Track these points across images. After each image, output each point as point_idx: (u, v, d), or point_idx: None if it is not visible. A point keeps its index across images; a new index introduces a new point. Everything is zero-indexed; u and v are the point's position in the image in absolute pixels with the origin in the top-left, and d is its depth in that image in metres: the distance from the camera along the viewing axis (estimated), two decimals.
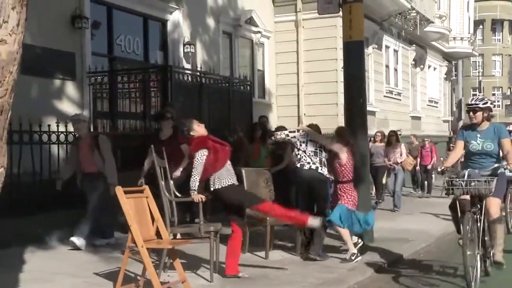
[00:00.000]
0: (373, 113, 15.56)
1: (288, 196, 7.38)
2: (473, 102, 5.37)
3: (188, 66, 11.18)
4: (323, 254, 5.98)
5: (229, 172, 5.17)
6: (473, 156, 5.32)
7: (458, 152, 5.46)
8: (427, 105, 22.03)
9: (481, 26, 42.65)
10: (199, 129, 5.25)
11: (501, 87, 44.01)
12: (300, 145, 6.12)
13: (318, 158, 6.06)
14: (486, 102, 5.31)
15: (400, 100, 18.83)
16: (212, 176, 5.07)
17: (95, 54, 9.80)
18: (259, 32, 14.23)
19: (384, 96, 17.51)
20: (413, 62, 20.43)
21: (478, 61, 38.57)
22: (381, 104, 16.87)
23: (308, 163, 6.03)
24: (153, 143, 6.87)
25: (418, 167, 14.08)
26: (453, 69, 26.02)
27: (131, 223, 4.38)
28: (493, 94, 43.20)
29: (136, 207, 4.59)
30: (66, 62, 9.07)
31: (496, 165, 5.16)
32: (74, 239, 6.28)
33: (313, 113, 13.89)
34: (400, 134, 13.22)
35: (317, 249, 5.94)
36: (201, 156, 5.04)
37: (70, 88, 9.20)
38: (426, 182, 14.34)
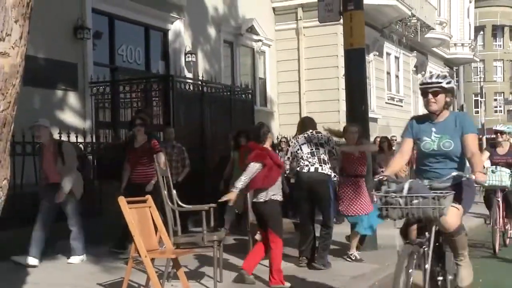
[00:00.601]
0: (375, 119, 15.56)
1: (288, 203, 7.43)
2: (433, 80, 3.73)
3: (189, 75, 11.22)
4: (327, 263, 5.96)
5: (278, 187, 5.20)
6: (426, 160, 3.78)
7: (404, 154, 3.87)
8: None
9: (481, 32, 42.71)
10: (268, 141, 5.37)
11: (503, 92, 44.00)
12: (297, 152, 6.12)
13: (316, 158, 6.01)
14: (450, 82, 3.78)
15: (401, 106, 18.84)
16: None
17: (97, 64, 9.84)
18: (260, 40, 14.29)
19: (386, 102, 17.52)
20: (414, 69, 20.46)
21: (479, 67, 38.55)
22: (383, 110, 16.88)
23: (307, 165, 6.00)
24: (127, 151, 6.77)
25: None
26: (454, 75, 26.04)
27: (134, 233, 4.37)
28: (495, 100, 43.23)
29: (139, 217, 4.59)
30: (68, 73, 9.11)
31: (455, 173, 3.60)
32: (72, 260, 6.13)
33: (315, 121, 13.88)
34: (395, 140, 13.11)
35: (323, 259, 5.89)
36: (254, 168, 5.11)
37: (72, 98, 9.24)
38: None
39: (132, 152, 6.73)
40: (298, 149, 6.11)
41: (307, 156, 6.03)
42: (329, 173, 6.05)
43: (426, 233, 3.62)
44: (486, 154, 7.46)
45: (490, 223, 7.39)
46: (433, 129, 3.76)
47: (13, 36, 2.31)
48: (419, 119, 3.92)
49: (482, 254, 6.92)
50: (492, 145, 7.77)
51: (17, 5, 2.30)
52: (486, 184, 6.76)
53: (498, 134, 7.48)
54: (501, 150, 7.42)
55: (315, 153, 6.05)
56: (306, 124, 6.45)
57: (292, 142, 6.38)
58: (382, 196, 3.45)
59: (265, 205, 5.10)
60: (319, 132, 6.29)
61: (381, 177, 3.71)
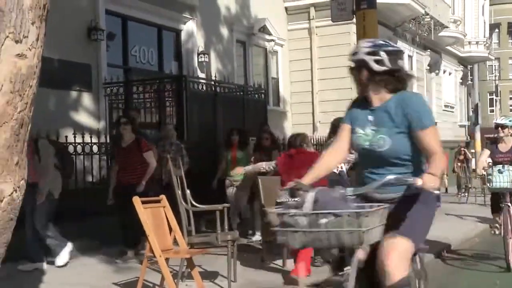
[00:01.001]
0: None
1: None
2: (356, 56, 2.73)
3: (202, 75, 11.24)
4: None
5: None
6: (363, 161, 2.77)
7: (336, 148, 2.80)
8: (443, 110, 21.85)
9: (496, 30, 42.25)
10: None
11: None
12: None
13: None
14: (376, 52, 2.70)
15: None
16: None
17: (110, 65, 9.91)
18: (272, 40, 14.27)
19: None
20: (428, 67, 20.30)
21: (495, 65, 38.17)
22: None
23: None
24: (114, 151, 6.64)
25: None
26: (469, 73, 25.81)
27: (149, 233, 4.39)
28: (511, 98, 42.69)
29: (154, 217, 4.61)
30: (82, 74, 9.19)
31: (391, 176, 2.50)
32: (57, 263, 5.90)
33: (328, 120, 13.76)
34: None
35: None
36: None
37: (86, 99, 9.31)
38: None
39: (120, 152, 6.52)
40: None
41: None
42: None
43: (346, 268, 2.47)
44: (486, 152, 6.55)
45: (499, 231, 6.30)
46: (370, 118, 2.68)
47: (30, 38, 2.34)
48: (358, 101, 2.81)
49: (494, 268, 6.08)
50: (493, 141, 6.65)
51: (34, 7, 2.33)
52: (493, 187, 5.92)
53: (500, 128, 6.38)
54: (504, 147, 6.36)
55: None
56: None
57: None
58: (277, 214, 2.43)
59: None
60: None
61: (293, 184, 2.55)
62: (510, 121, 6.37)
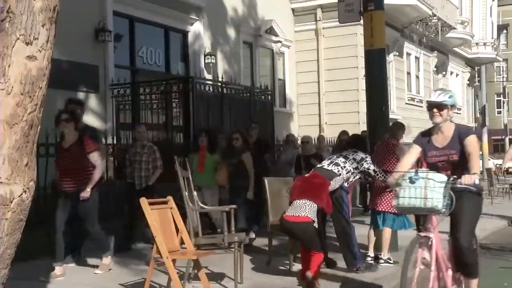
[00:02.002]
0: (395, 120, 15.41)
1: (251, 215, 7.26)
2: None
3: (209, 76, 11.26)
4: (360, 264, 5.58)
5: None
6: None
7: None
8: None
9: (504, 31, 42.02)
10: None
11: None
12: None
13: None
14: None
15: (422, 107, 18.63)
16: None
17: (117, 66, 9.95)
18: (279, 41, 14.28)
19: (406, 103, 17.36)
20: (435, 69, 20.24)
21: (502, 66, 37.96)
22: (403, 111, 16.73)
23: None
24: (57, 153, 5.81)
25: None
26: (476, 75, 25.70)
27: (156, 234, 4.40)
28: None
29: (161, 218, 4.61)
30: (90, 75, 9.23)
31: None
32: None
33: (335, 122, 13.84)
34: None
35: (350, 260, 5.62)
36: None
37: (94, 100, 9.34)
38: None
39: (62, 155, 5.63)
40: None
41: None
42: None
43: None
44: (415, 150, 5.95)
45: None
46: None
47: (40, 39, 2.35)
48: None
49: (503, 270, 5.95)
50: (425, 133, 6.20)
51: (44, 9, 2.35)
52: (400, 205, 3.81)
53: (435, 109, 5.56)
54: (440, 140, 5.72)
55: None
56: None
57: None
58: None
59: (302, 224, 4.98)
60: None
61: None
62: (450, 97, 3.96)
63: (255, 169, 7.32)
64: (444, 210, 3.67)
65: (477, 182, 3.74)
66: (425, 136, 4.16)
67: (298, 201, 5.02)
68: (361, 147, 5.78)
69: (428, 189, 3.63)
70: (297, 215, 4.95)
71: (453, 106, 4.01)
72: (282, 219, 5.11)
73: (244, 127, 8.65)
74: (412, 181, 3.69)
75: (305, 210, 4.94)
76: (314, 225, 4.98)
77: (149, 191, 6.90)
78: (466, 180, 3.68)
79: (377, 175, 5.65)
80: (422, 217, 4.10)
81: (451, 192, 3.71)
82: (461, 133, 4.00)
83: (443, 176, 3.70)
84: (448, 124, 4.04)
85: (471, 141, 3.92)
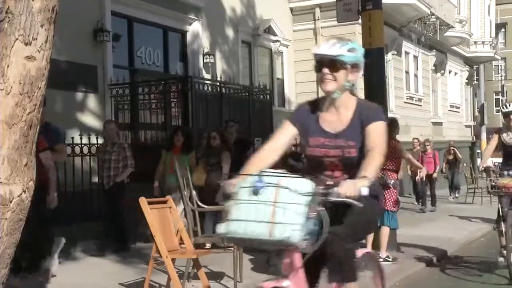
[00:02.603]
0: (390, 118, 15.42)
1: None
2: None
3: (208, 76, 11.27)
4: None
5: None
6: None
7: None
8: (449, 110, 21.80)
9: (503, 29, 42.02)
10: None
11: None
12: None
13: None
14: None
15: (420, 106, 18.67)
16: None
17: (116, 66, 9.95)
18: (278, 41, 14.28)
19: (405, 102, 17.38)
20: (434, 68, 20.26)
21: (501, 65, 37.94)
22: (401, 110, 16.74)
23: None
24: None
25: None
26: (475, 73, 25.72)
27: (155, 234, 4.41)
28: None
29: (160, 217, 4.62)
30: (88, 75, 9.23)
31: None
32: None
33: None
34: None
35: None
36: None
37: (92, 100, 9.35)
38: (426, 194, 12.33)
39: None
40: None
41: None
42: None
43: None
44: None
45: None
46: None
47: (39, 40, 2.36)
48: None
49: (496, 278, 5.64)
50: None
51: (43, 10, 2.35)
52: (226, 232, 2.29)
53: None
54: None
55: None
56: None
57: None
58: None
59: None
60: None
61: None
62: (351, 50, 2.77)
63: (237, 168, 7.03)
64: (304, 243, 2.19)
65: (365, 192, 2.21)
66: (310, 110, 2.71)
67: None
68: None
69: (279, 207, 2.17)
70: None
71: (355, 66, 2.63)
72: None
73: (244, 127, 8.67)
74: (255, 191, 2.24)
75: None
76: None
77: (119, 190, 6.86)
78: (346, 189, 2.22)
79: None
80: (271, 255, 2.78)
81: (321, 211, 2.25)
82: (363, 115, 2.57)
83: (306, 182, 2.24)
84: (347, 98, 2.64)
85: (375, 129, 2.52)
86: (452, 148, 15.18)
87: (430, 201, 12.22)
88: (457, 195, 14.86)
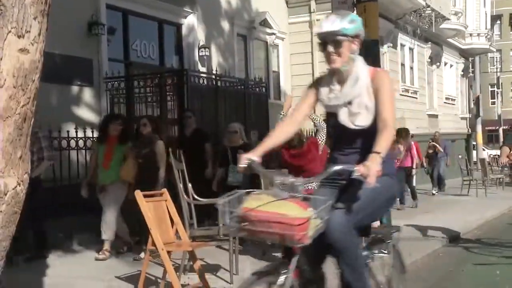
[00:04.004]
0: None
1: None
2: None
3: (203, 69, 11.25)
4: None
5: None
6: None
7: None
8: (444, 102, 21.84)
9: (498, 21, 42.07)
10: None
11: None
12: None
13: None
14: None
15: (416, 98, 18.69)
16: None
17: (111, 60, 9.92)
18: (273, 33, 14.26)
19: (400, 94, 17.39)
20: (429, 60, 20.27)
21: (496, 57, 38.01)
22: (397, 102, 16.67)
23: None
24: None
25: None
26: (470, 65, 25.75)
27: (151, 227, 4.42)
28: None
29: (156, 210, 4.63)
30: (84, 69, 9.20)
31: None
32: None
33: None
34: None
35: None
36: None
37: (88, 94, 9.32)
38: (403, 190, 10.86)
39: None
40: None
41: None
42: None
43: None
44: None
45: None
46: None
47: (32, 32, 2.35)
48: None
49: (495, 259, 6.02)
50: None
51: (36, 2, 2.35)
52: None
53: None
54: None
55: None
56: None
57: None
58: None
59: None
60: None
61: None
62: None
63: (193, 163, 6.34)
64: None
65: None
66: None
67: None
68: None
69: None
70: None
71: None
72: None
73: (239, 120, 8.63)
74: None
75: None
76: None
77: (34, 189, 5.06)
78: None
79: None
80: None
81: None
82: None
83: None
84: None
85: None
86: (432, 142, 14.57)
87: (411, 196, 11.32)
88: (434, 191, 13.96)
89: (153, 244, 4.45)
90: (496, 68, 37.20)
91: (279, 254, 6.04)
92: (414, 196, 11.40)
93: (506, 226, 9.03)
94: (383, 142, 2.51)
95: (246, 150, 6.71)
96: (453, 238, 7.48)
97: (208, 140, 7.73)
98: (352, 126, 2.70)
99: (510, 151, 5.53)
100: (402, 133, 9.28)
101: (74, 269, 5.73)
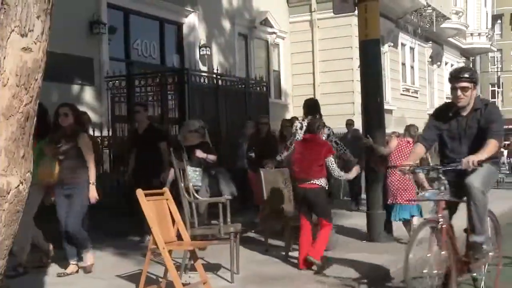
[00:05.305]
0: (390, 111, 15.47)
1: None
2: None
3: (204, 68, 11.26)
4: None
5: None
6: None
7: None
8: (445, 102, 21.85)
9: (499, 21, 42.02)
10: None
11: None
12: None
13: None
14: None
15: (417, 97, 18.70)
16: None
17: (112, 59, 9.93)
18: (274, 33, 14.26)
19: (401, 94, 17.41)
20: (430, 59, 20.27)
21: (497, 56, 38.03)
22: (398, 102, 16.78)
23: None
24: None
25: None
26: (471, 65, 25.76)
27: (152, 226, 4.42)
28: None
29: (157, 209, 4.63)
30: (85, 68, 9.21)
31: None
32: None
33: (330, 113, 13.80)
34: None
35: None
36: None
37: (89, 93, 9.33)
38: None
39: None
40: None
41: None
42: None
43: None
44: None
45: None
46: None
47: (36, 31, 2.36)
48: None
49: None
50: None
51: (39, 1, 2.36)
52: None
53: None
54: None
55: None
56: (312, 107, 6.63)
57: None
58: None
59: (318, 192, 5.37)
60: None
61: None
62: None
63: (146, 165, 6.22)
64: None
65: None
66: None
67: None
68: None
69: None
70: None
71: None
72: (296, 187, 5.57)
73: (240, 119, 8.64)
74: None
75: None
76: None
77: None
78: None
79: (340, 148, 6.47)
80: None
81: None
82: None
83: None
84: None
85: None
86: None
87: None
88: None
89: (155, 243, 4.46)
90: (497, 67, 37.20)
91: (281, 253, 6.06)
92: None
93: (505, 226, 8.99)
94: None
95: (205, 150, 6.57)
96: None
97: (163, 138, 6.84)
98: None
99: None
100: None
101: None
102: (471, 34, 23.88)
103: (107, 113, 9.41)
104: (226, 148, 9.37)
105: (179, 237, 4.75)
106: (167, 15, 11.32)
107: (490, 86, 39.99)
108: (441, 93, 21.52)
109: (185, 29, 11.77)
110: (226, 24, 12.73)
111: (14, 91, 2.33)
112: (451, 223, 4.06)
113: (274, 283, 5.01)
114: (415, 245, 3.74)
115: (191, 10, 11.66)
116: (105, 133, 8.75)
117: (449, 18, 19.44)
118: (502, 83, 37.42)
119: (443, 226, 3.85)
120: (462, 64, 24.38)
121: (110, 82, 9.48)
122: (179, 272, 4.83)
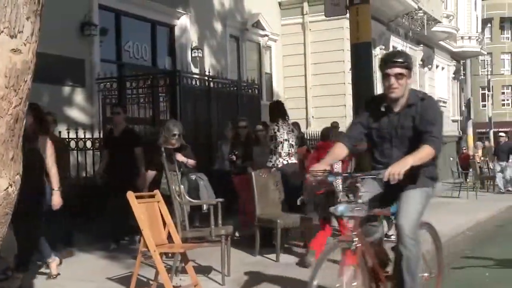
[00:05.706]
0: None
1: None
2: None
3: (196, 70, 11.24)
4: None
5: None
6: None
7: None
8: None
9: (489, 25, 42.39)
10: None
11: (510, 85, 43.69)
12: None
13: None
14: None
15: None
16: None
17: (104, 60, 9.89)
18: (266, 35, 14.28)
19: None
20: (421, 62, 20.38)
21: (487, 60, 38.34)
22: None
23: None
24: None
25: None
26: (462, 68, 25.95)
27: (143, 228, 4.40)
28: (503, 93, 42.93)
29: (148, 212, 4.62)
30: (76, 69, 9.16)
31: None
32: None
33: (321, 115, 13.90)
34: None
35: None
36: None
37: (80, 95, 9.29)
38: None
39: None
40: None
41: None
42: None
43: None
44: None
45: None
46: None
47: (25, 33, 2.34)
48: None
49: (485, 262, 5.99)
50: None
51: (29, 2, 2.34)
52: None
53: None
54: None
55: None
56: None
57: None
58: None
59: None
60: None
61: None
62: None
63: (120, 170, 6.13)
64: None
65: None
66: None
67: None
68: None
69: None
70: None
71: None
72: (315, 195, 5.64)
73: (231, 119, 8.58)
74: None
75: None
76: None
77: None
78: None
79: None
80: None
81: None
82: None
83: None
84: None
85: None
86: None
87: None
88: None
89: (145, 245, 4.44)
90: (487, 71, 37.48)
91: (272, 255, 6.06)
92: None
93: (496, 228, 9.09)
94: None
95: (185, 154, 6.60)
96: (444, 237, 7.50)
97: (139, 143, 6.68)
98: None
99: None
100: None
101: (64, 270, 5.69)
102: (462, 38, 24.05)
103: (98, 115, 9.37)
104: (217, 150, 9.35)
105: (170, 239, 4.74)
106: (159, 17, 11.30)
107: (480, 89, 40.28)
108: (432, 96, 21.64)
109: (177, 31, 11.76)
110: (218, 26, 12.73)
111: (3, 92, 2.31)
112: (376, 238, 3.36)
113: (265, 286, 5.01)
114: (322, 269, 3.02)
115: (183, 12, 11.65)
116: (96, 135, 8.70)
117: (440, 22, 19.56)
118: (492, 86, 37.66)
119: (358, 246, 3.11)
120: (453, 68, 24.57)
121: (102, 84, 9.45)
122: (170, 274, 4.81)
